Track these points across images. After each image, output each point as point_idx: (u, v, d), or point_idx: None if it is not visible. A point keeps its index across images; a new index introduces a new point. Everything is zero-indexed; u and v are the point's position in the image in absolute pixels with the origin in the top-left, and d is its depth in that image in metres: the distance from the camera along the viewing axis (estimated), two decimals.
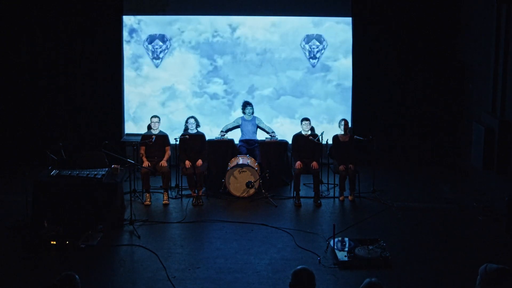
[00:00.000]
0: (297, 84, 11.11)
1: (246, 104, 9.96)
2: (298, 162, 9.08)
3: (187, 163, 9.08)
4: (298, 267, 4.08)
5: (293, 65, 11.05)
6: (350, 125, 10.81)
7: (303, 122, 9.29)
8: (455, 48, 10.69)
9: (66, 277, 3.97)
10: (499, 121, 8.22)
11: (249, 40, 11.12)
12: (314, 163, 9.07)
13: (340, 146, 9.26)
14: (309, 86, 11.11)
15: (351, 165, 9.05)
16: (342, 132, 9.31)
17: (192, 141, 9.24)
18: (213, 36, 11.16)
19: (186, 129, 9.43)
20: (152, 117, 9.29)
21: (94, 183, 7.92)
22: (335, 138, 9.34)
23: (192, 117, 9.41)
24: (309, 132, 9.34)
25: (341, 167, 9.03)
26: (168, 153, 9.23)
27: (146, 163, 9.01)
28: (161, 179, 9.14)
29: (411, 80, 10.91)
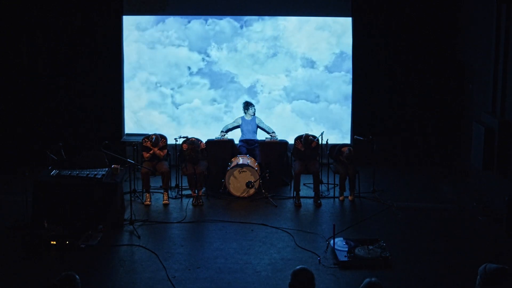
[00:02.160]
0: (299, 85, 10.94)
1: (248, 105, 9.91)
2: (298, 142, 9.23)
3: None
4: (298, 267, 4.08)
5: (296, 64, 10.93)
6: (350, 125, 10.84)
7: (305, 141, 9.24)
8: (455, 48, 10.68)
9: (66, 277, 3.98)
10: (499, 121, 8.22)
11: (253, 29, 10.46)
12: (297, 142, 9.17)
13: (341, 154, 9.23)
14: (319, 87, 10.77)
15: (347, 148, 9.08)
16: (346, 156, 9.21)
17: (193, 142, 9.24)
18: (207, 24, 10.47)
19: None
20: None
21: (94, 183, 7.92)
22: (339, 148, 9.30)
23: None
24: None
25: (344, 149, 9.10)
26: (164, 151, 9.21)
27: (157, 150, 9.04)
28: (161, 179, 9.14)
29: (411, 80, 10.90)
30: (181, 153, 9.25)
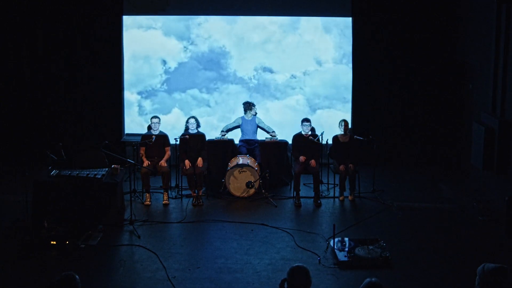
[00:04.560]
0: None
1: (250, 105, 9.84)
2: (302, 157, 9.06)
3: (187, 163, 9.06)
4: (293, 265, 4.10)
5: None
6: (350, 125, 10.82)
7: (304, 123, 9.27)
8: (455, 48, 10.69)
9: (66, 277, 3.98)
10: (499, 121, 8.23)
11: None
12: (313, 161, 9.06)
13: (340, 146, 9.26)
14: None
15: (351, 165, 9.05)
16: (342, 133, 9.31)
17: (192, 141, 9.24)
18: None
19: (186, 129, 9.40)
20: (152, 117, 9.24)
21: (94, 183, 7.93)
22: (335, 138, 9.34)
23: (193, 117, 9.35)
24: (309, 133, 9.33)
25: (341, 167, 9.03)
26: (168, 153, 9.22)
27: (146, 163, 8.99)
28: (161, 179, 9.14)
29: (411, 80, 10.91)
30: (181, 144, 9.16)
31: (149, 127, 9.42)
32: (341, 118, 9.47)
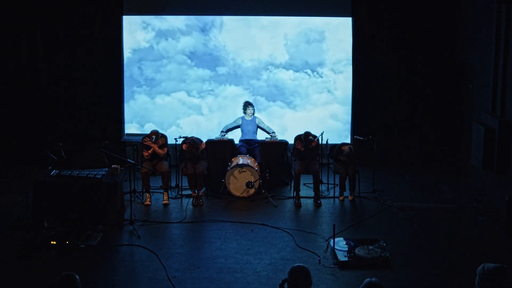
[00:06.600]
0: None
1: (247, 105, 9.88)
2: (298, 142, 9.11)
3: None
4: (294, 265, 4.10)
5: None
6: (350, 125, 10.83)
7: (305, 139, 9.24)
8: (455, 48, 10.69)
9: (66, 277, 3.99)
10: (499, 121, 8.23)
11: None
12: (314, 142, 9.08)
13: (341, 154, 9.24)
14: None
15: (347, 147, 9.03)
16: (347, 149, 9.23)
17: (193, 141, 9.24)
18: None
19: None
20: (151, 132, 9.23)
21: (94, 183, 7.93)
22: (339, 146, 9.31)
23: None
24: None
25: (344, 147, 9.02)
26: (161, 151, 9.18)
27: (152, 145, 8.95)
28: (161, 179, 9.14)
29: (411, 80, 10.91)
30: (181, 153, 9.26)
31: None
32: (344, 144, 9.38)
